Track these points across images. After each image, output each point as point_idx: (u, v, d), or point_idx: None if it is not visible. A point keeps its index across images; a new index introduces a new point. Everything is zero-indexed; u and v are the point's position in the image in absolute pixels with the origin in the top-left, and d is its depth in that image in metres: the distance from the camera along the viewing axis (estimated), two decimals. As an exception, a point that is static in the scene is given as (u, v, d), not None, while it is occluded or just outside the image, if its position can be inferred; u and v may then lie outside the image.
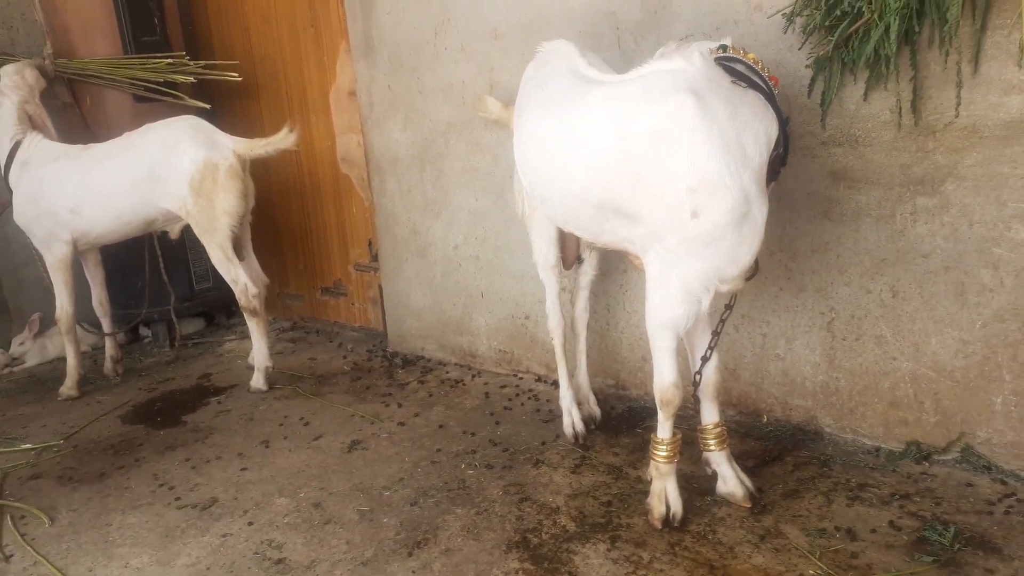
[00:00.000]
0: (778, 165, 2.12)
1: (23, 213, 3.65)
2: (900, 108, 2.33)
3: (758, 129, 1.99)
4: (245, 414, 3.40)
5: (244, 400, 3.58)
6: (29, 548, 2.42)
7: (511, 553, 2.18)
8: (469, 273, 3.67)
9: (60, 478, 2.91)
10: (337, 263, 4.56)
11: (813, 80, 2.46)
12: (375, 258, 4.23)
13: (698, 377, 2.35)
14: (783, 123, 2.07)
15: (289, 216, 4.67)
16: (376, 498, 2.56)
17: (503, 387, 3.46)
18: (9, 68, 3.77)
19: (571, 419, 2.87)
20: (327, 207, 4.48)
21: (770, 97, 2.06)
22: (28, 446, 3.22)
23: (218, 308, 4.92)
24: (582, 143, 2.19)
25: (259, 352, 3.71)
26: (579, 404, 2.93)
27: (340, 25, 3.97)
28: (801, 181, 2.57)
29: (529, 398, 3.31)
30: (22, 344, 4.41)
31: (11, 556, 2.40)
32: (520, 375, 3.56)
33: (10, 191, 3.70)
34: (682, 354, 2.24)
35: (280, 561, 2.24)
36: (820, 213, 2.57)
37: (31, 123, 3.75)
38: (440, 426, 3.10)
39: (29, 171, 3.63)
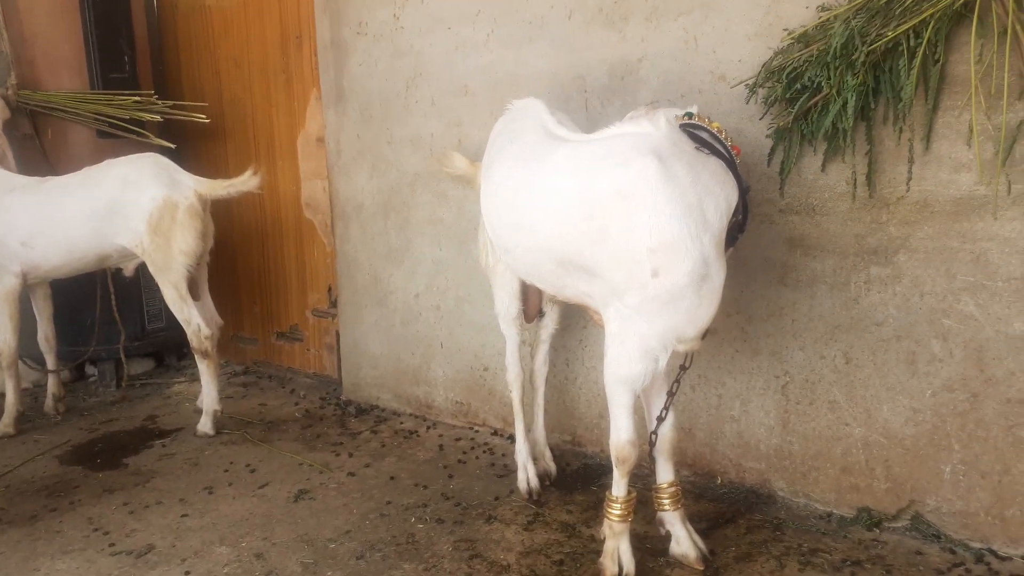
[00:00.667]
0: (736, 232, 2.16)
1: (-28, 243, 3.55)
2: (855, 180, 2.41)
3: (719, 195, 2.03)
4: (190, 459, 3.29)
5: (190, 444, 3.47)
6: (-53, 593, 2.29)
7: (459, 612, 2.12)
8: (429, 323, 3.65)
9: (-13, 519, 2.78)
10: (295, 308, 4.50)
11: (773, 150, 2.54)
12: (334, 304, 4.18)
13: (654, 437, 2.35)
14: (743, 191, 2.12)
15: (249, 259, 4.61)
16: (321, 550, 2.48)
17: (458, 440, 3.41)
18: (-27, 97, 3.72)
19: (526, 475, 2.83)
20: (288, 251, 4.44)
21: (731, 165, 2.12)
22: (-45, 485, 3.08)
23: (169, 349, 4.80)
24: (548, 198, 2.21)
25: (208, 396, 3.62)
26: (535, 459, 2.89)
27: (312, 73, 4.01)
28: (759, 247, 2.63)
29: (484, 451, 3.26)
30: (-44, 378, 4.23)
31: (-74, 602, 2.26)
32: (476, 428, 3.52)
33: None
34: (638, 412, 2.24)
35: (217, 614, 2.15)
36: (776, 279, 2.63)
37: (-10, 154, 3.69)
38: (391, 478, 3.03)
39: (-17, 202, 3.55)
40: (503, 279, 2.77)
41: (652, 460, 2.38)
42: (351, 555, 2.44)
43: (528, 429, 2.91)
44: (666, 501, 2.34)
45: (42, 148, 4.20)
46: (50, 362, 3.93)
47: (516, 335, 2.85)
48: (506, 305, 2.80)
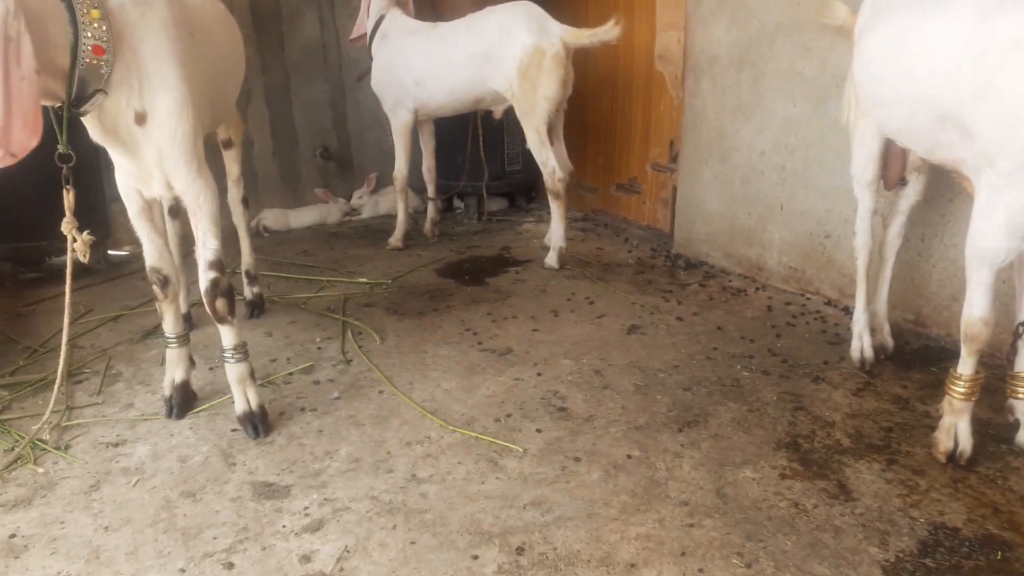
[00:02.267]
0: None
1: (379, 80, 4.20)
2: None
3: None
4: (538, 286, 3.72)
5: (538, 274, 3.91)
6: (364, 358, 2.95)
7: (780, 452, 2.23)
8: (771, 183, 3.59)
9: (387, 309, 3.46)
10: (635, 161, 4.67)
11: None
12: (674, 159, 4.27)
13: (1021, 328, 2.16)
14: None
15: (598, 110, 4.83)
16: (651, 377, 2.73)
17: (788, 304, 3.41)
18: (378, -52, 4.27)
19: (861, 344, 2.78)
20: (635, 104, 4.57)
21: None
22: (364, 280, 3.84)
23: (520, 191, 5.30)
24: (936, 44, 2.03)
25: (556, 233, 3.98)
26: (872, 331, 2.82)
27: (678, -82, 3.93)
28: None
29: (815, 318, 3.24)
30: (360, 198, 5.15)
31: (351, 360, 2.94)
32: (808, 295, 3.47)
33: (371, 59, 4.25)
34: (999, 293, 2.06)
35: (563, 409, 2.51)
36: None
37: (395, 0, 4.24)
38: (718, 328, 3.16)
39: (387, 43, 4.14)
40: (864, 138, 2.62)
41: (1013, 350, 2.20)
42: (678, 386, 2.66)
43: (869, 300, 2.82)
44: (1022, 390, 2.18)
45: (429, -5, 4.70)
46: (430, 191, 4.59)
47: (870, 200, 2.71)
48: (863, 167, 2.66)
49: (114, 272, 4.06)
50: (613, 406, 2.52)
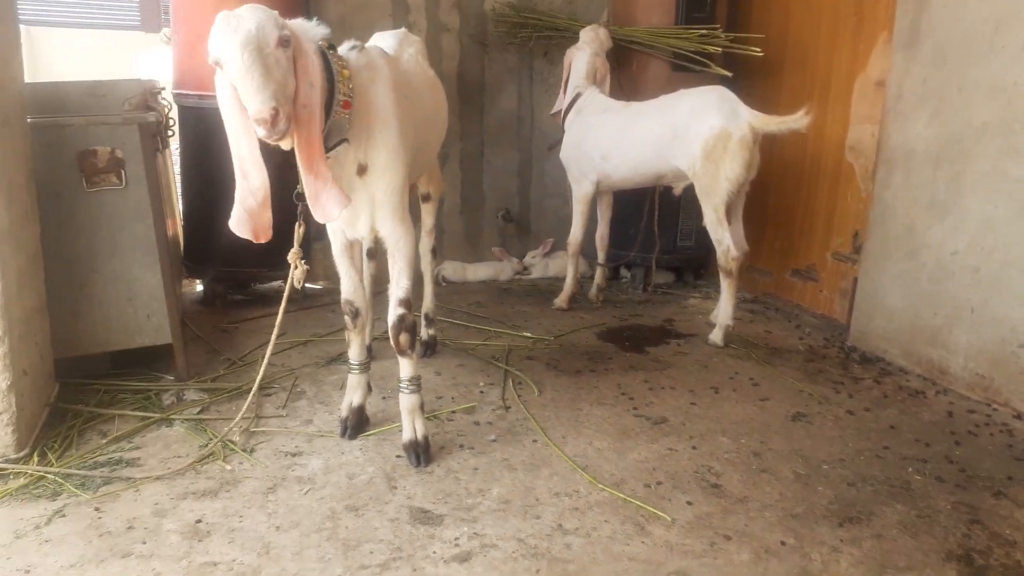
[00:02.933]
0: None
1: (568, 152, 4.42)
2: None
3: None
4: (700, 361, 3.70)
5: (700, 349, 3.88)
6: (522, 406, 3.07)
7: (950, 564, 2.08)
8: (962, 284, 3.39)
9: (547, 364, 3.57)
10: (815, 248, 4.56)
11: None
12: (857, 250, 4.14)
13: None
14: None
15: (781, 194, 4.78)
16: (813, 467, 2.63)
17: (971, 412, 3.18)
18: (588, 28, 4.56)
19: (1054, 465, 2.55)
20: (820, 192, 4.49)
21: None
22: (528, 335, 4.00)
23: (690, 266, 5.29)
24: None
25: (724, 311, 3.96)
26: (1068, 453, 2.58)
27: (885, 14, 3.90)
28: None
29: (1001, 431, 2.99)
30: (533, 258, 5.37)
31: (510, 407, 3.07)
32: (995, 406, 3.22)
33: (563, 132, 4.49)
34: None
35: (716, 486, 2.48)
36: None
37: (593, 77, 4.47)
38: (891, 427, 3.00)
39: (581, 118, 4.37)
40: None
41: None
42: (842, 480, 2.54)
43: (1067, 419, 2.60)
44: None
45: (618, 78, 4.89)
46: (601, 258, 4.71)
47: (1076, 312, 2.52)
48: (1071, 276, 2.49)
49: (308, 303, 4.46)
50: (770, 491, 2.46)
